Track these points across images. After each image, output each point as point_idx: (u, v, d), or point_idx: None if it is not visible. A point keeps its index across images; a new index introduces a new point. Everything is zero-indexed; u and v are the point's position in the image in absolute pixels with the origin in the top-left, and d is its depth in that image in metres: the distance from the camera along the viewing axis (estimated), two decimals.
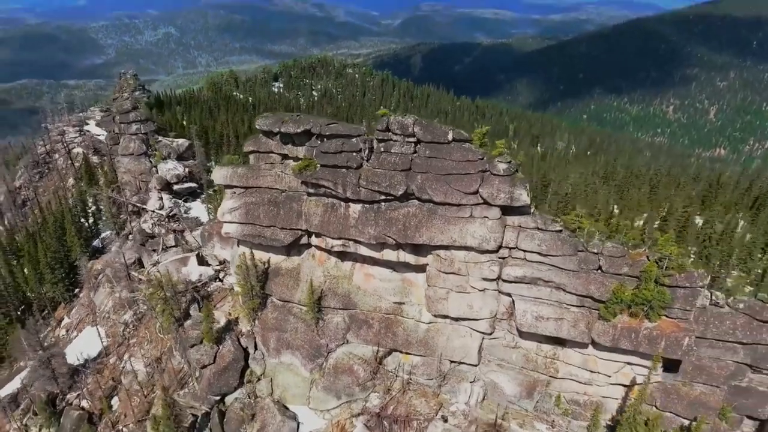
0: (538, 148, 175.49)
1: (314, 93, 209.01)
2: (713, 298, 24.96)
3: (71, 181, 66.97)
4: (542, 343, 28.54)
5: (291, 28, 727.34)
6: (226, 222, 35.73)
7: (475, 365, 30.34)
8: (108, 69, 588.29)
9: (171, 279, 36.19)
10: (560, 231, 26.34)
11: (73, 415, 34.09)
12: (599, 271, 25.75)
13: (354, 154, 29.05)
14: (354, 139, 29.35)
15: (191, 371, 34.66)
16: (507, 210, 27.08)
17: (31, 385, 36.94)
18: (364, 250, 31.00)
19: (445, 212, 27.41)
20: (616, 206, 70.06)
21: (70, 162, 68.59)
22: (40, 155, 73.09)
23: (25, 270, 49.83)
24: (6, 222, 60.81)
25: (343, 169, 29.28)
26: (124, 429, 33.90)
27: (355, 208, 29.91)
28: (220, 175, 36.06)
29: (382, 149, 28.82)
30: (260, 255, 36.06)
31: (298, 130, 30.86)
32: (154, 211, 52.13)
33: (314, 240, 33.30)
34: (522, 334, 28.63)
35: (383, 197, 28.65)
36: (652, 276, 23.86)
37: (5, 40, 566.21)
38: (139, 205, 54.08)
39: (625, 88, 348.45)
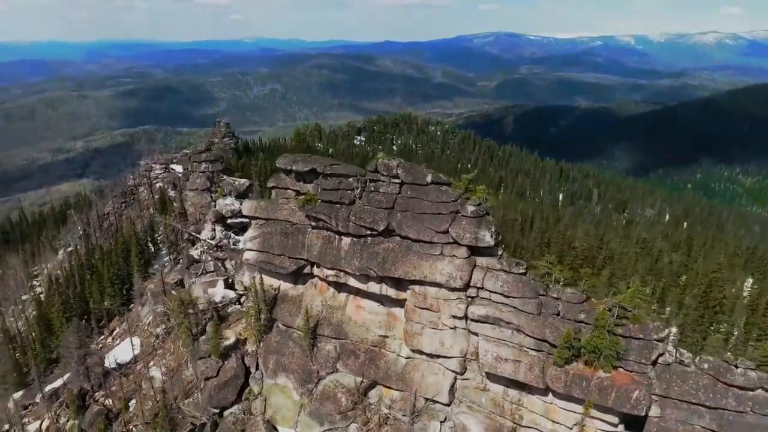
0: (624, 213, 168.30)
1: (394, 147, 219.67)
2: (677, 355, 24.51)
3: (149, 210, 77.54)
4: (509, 387, 29.09)
5: (388, 88, 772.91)
6: (246, 249, 40.83)
7: (447, 404, 31.31)
8: (220, 119, 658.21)
9: (194, 298, 41.54)
10: (523, 274, 27.63)
11: (93, 410, 39.51)
12: (558, 316, 26.45)
13: (348, 191, 32.90)
14: (350, 179, 33.31)
15: (197, 383, 38.90)
16: (476, 251, 28.97)
17: (70, 381, 43.28)
18: (353, 282, 34.05)
19: (419, 249, 29.97)
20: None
21: (150, 194, 79.61)
22: (128, 187, 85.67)
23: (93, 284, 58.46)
24: (90, 243, 71.66)
25: (338, 205, 33.14)
26: (134, 429, 38.49)
27: (346, 242, 33.35)
28: (247, 207, 41.70)
29: (372, 188, 32.40)
30: (272, 281, 40.39)
31: (306, 169, 35.56)
32: (205, 240, 59.25)
33: (315, 270, 36.99)
34: (489, 376, 29.46)
35: (369, 232, 31.89)
36: (603, 324, 24.26)
37: (136, 91, 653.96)
38: (194, 234, 61.68)
39: (738, 158, 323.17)
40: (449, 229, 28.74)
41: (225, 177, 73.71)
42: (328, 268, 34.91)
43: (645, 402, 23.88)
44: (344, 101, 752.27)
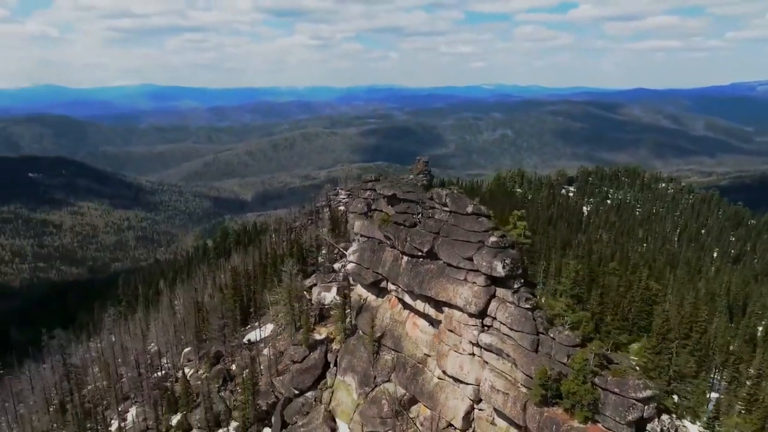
0: None
1: (608, 201, 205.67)
2: (663, 424, 22.62)
3: (325, 229, 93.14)
4: (512, 425, 29.67)
5: (633, 139, 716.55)
6: (349, 261, 48.95)
7: (462, 430, 33.06)
8: (445, 160, 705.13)
9: (302, 295, 51.31)
10: (530, 309, 28.56)
11: (217, 368, 51.95)
12: (549, 357, 26.63)
13: (413, 215, 38.16)
14: (418, 205, 38.52)
15: (289, 365, 47.88)
16: (497, 281, 30.92)
17: (214, 347, 57.29)
18: (407, 298, 38.69)
19: (449, 272, 33.28)
20: None
21: (329, 215, 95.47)
22: (316, 207, 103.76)
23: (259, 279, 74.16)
24: (274, 248, 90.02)
25: (402, 226, 38.59)
26: (237, 388, 49.30)
27: (404, 260, 38.40)
28: (357, 226, 50.05)
29: (429, 215, 36.99)
30: (362, 292, 47.38)
31: (389, 194, 42.04)
32: (346, 254, 69.88)
33: (389, 285, 42.64)
34: (496, 411, 30.53)
35: (419, 253, 36.43)
36: (577, 368, 24.06)
37: (377, 130, 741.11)
38: (341, 249, 73.00)
39: None
40: (473, 257, 31.56)
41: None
42: (392, 283, 40.32)
43: None
44: (579, 150, 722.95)
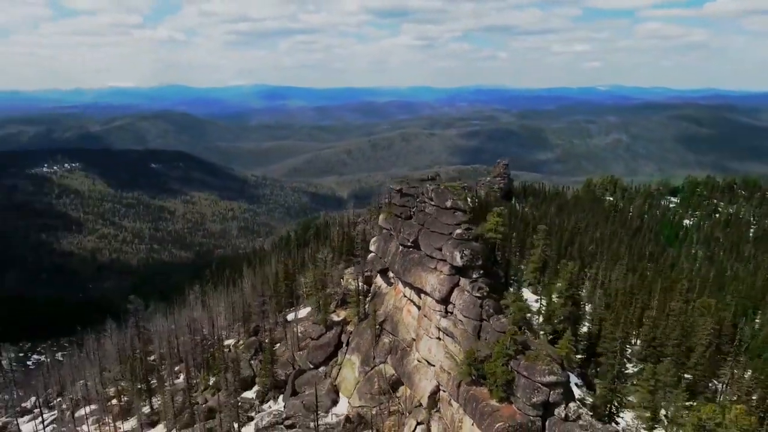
0: None
1: (716, 215, 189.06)
2: (569, 410, 24.29)
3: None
4: (460, 407, 32.20)
5: None
6: (370, 251, 53.36)
7: (427, 409, 36.03)
8: (549, 165, 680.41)
9: (331, 283, 56.61)
10: (479, 298, 30.97)
11: (251, 339, 58.88)
12: (486, 340, 28.97)
13: (409, 209, 41.65)
14: (415, 199, 41.92)
15: (308, 342, 53.34)
16: (461, 271, 33.56)
17: (255, 322, 64.47)
18: (400, 285, 42.19)
19: (425, 261, 36.41)
20: None
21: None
22: (381, 201, 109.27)
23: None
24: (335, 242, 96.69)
25: (399, 219, 42.21)
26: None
27: (399, 249, 41.97)
28: (381, 219, 54.13)
29: (420, 208, 40.27)
30: (379, 280, 51.48)
31: (397, 188, 45.75)
32: None
33: (389, 272, 46.40)
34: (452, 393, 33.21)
35: (408, 243, 39.86)
36: (496, 350, 26.35)
37: (479, 132, 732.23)
38: None
39: None
40: (442, 247, 34.48)
41: None
42: (392, 271, 44.11)
43: None
44: (705, 158, 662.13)
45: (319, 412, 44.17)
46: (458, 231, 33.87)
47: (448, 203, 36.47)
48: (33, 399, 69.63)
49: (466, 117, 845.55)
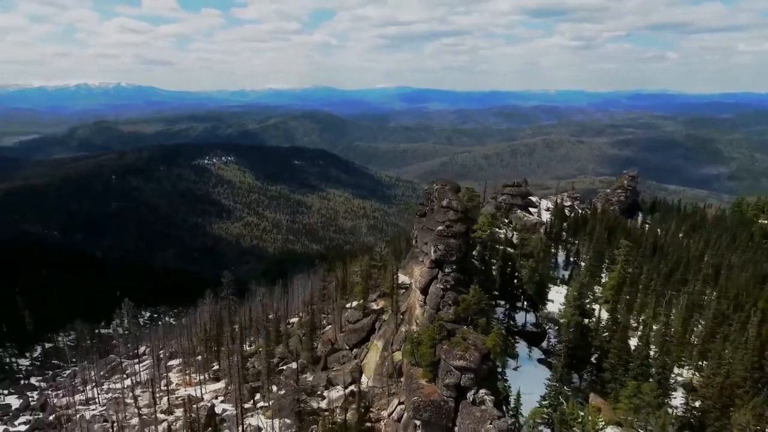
0: None
1: None
2: (477, 395, 26.73)
3: None
4: None
5: None
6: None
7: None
8: (719, 181, 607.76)
9: (375, 274, 61.76)
10: (443, 289, 33.91)
11: (307, 319, 66.25)
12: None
13: (425, 207, 45.36)
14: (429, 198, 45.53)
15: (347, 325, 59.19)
16: (438, 264, 36.63)
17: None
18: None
19: (417, 255, 39.97)
20: None
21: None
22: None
23: None
24: None
25: (419, 217, 46.08)
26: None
27: (415, 245, 45.86)
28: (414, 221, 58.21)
29: (431, 207, 43.77)
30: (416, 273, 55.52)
31: (426, 188, 49.49)
32: None
33: None
34: None
35: (412, 239, 43.66)
36: (426, 334, 29.45)
37: (633, 141, 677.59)
38: None
39: None
40: (428, 242, 37.87)
41: (518, 211, 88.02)
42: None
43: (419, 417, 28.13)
44: None
45: (337, 386, 50.02)
46: (440, 227, 37.03)
47: (444, 202, 39.63)
48: (143, 348, 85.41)
49: (620, 124, 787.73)
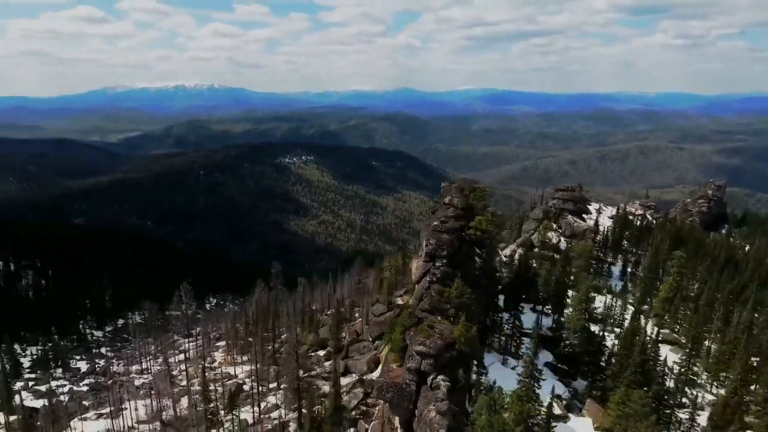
0: None
1: None
2: (435, 380, 28.33)
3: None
4: None
5: None
6: None
7: None
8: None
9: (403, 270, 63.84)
10: (429, 282, 35.55)
11: (339, 310, 69.51)
12: None
13: (437, 204, 47.05)
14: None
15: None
16: (431, 257, 38.27)
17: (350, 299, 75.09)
18: None
19: (418, 249, 41.78)
20: None
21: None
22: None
23: None
24: None
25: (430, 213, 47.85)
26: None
27: None
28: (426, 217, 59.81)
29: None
30: None
31: (442, 188, 51.07)
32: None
33: None
34: None
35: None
36: (397, 321, 31.33)
37: (743, 149, 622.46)
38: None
39: None
40: (424, 236, 39.65)
41: (569, 216, 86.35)
42: None
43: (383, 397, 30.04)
44: None
45: (353, 373, 52.88)
46: (435, 223, 38.70)
47: (446, 199, 41.26)
48: (198, 329, 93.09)
49: (729, 130, 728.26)
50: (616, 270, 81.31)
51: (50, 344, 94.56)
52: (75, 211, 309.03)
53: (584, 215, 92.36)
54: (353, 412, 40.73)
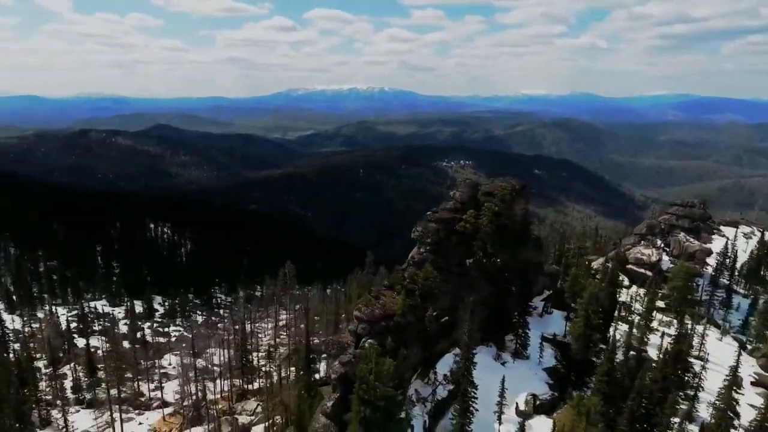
0: None
1: None
2: (366, 342, 32.42)
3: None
4: None
5: None
6: None
7: None
8: None
9: None
10: (408, 264, 39.02)
11: None
12: None
13: None
14: None
15: None
16: (418, 244, 41.51)
17: None
18: None
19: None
20: None
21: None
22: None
23: None
24: None
25: None
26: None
27: None
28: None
29: None
30: None
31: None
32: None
33: None
34: None
35: None
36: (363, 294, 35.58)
37: None
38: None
39: None
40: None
41: (681, 234, 79.72)
42: None
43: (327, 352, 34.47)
44: None
45: None
46: (428, 213, 41.85)
47: (452, 192, 44.06)
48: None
49: None
50: (744, 303, 71.72)
51: (179, 299, 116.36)
52: (251, 198, 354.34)
53: (706, 234, 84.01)
54: None
